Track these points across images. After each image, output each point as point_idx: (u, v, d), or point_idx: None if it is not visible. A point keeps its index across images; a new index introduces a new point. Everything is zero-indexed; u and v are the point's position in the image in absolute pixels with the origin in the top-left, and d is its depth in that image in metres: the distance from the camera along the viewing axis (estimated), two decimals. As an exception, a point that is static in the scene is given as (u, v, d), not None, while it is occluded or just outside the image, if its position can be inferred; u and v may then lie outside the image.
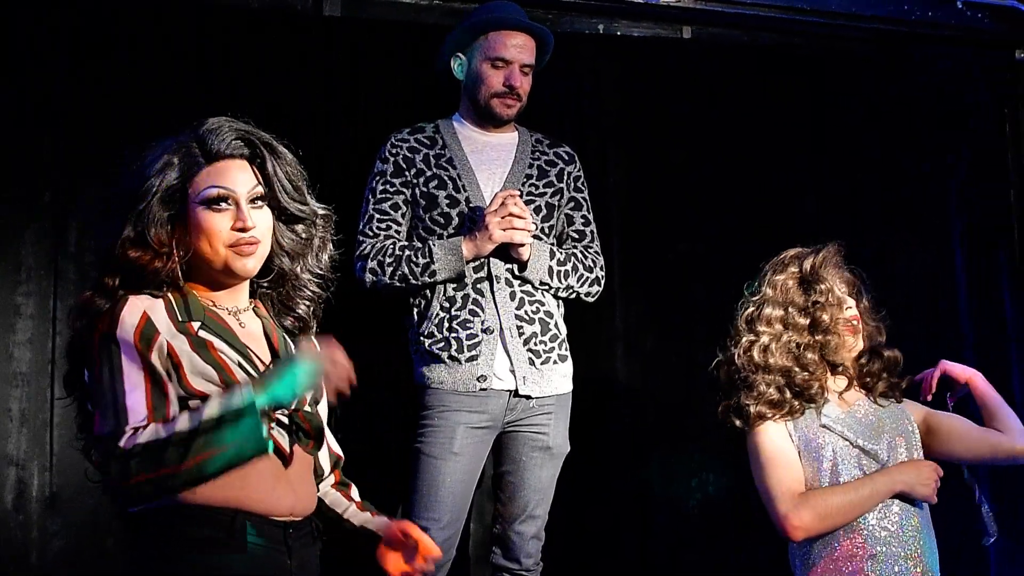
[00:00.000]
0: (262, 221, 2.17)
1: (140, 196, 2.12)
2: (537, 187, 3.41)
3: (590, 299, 3.47)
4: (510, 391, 3.25)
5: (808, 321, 2.91)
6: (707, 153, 4.18)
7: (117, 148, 3.36)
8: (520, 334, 3.26)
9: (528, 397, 3.26)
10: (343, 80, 3.76)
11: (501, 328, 3.25)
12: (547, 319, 3.32)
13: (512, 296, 3.28)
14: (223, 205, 2.13)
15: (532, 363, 3.26)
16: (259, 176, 2.17)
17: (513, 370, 3.24)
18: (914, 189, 4.40)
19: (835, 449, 2.85)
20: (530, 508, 3.30)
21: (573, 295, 3.42)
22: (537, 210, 3.38)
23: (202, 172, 2.14)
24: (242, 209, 2.14)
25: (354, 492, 2.38)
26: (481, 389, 3.21)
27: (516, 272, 3.29)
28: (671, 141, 4.12)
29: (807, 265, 2.97)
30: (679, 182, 4.12)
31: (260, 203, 2.17)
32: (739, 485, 3.82)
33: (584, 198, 3.51)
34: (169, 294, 2.12)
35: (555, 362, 3.31)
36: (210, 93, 3.54)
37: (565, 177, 3.48)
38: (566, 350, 3.38)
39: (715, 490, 4.01)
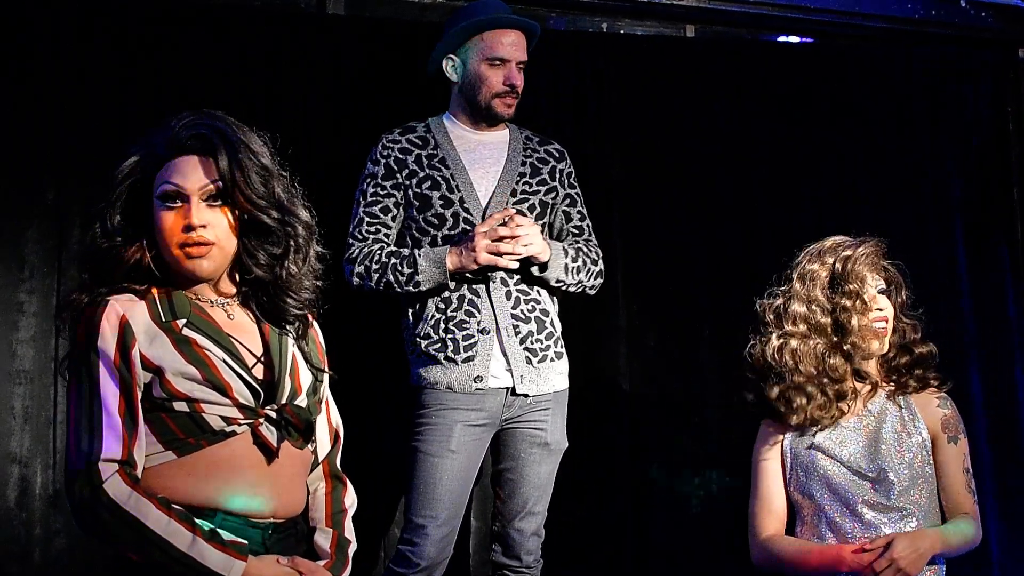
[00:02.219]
0: (218, 222, 2.10)
1: (110, 187, 2.12)
2: (531, 185, 3.42)
3: (593, 292, 3.48)
4: (507, 389, 3.25)
5: (831, 322, 2.89)
6: (710, 151, 4.17)
7: (120, 146, 3.41)
8: (516, 333, 3.26)
9: (525, 395, 3.26)
10: (346, 78, 3.76)
11: (498, 328, 3.25)
12: (543, 317, 3.32)
13: (508, 295, 3.28)
14: (176, 202, 2.09)
15: (529, 362, 3.26)
16: (220, 173, 2.09)
17: (510, 369, 3.25)
18: (916, 187, 4.40)
19: (827, 468, 2.87)
20: (530, 505, 3.30)
21: (580, 290, 3.42)
22: (531, 208, 3.38)
23: (163, 167, 2.11)
24: (191, 207, 2.08)
25: (345, 496, 2.31)
26: (478, 389, 3.21)
27: (536, 273, 3.29)
28: (674, 139, 4.12)
29: (840, 261, 2.92)
30: (682, 180, 4.12)
31: (217, 201, 2.10)
32: (741, 483, 3.83)
33: (578, 193, 3.51)
34: (152, 292, 2.10)
35: (552, 360, 3.32)
36: (213, 91, 3.54)
37: (558, 175, 3.48)
38: (562, 347, 3.38)
39: (717, 488, 4.01)
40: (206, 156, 2.10)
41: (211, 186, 2.09)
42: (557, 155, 3.52)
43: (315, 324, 2.33)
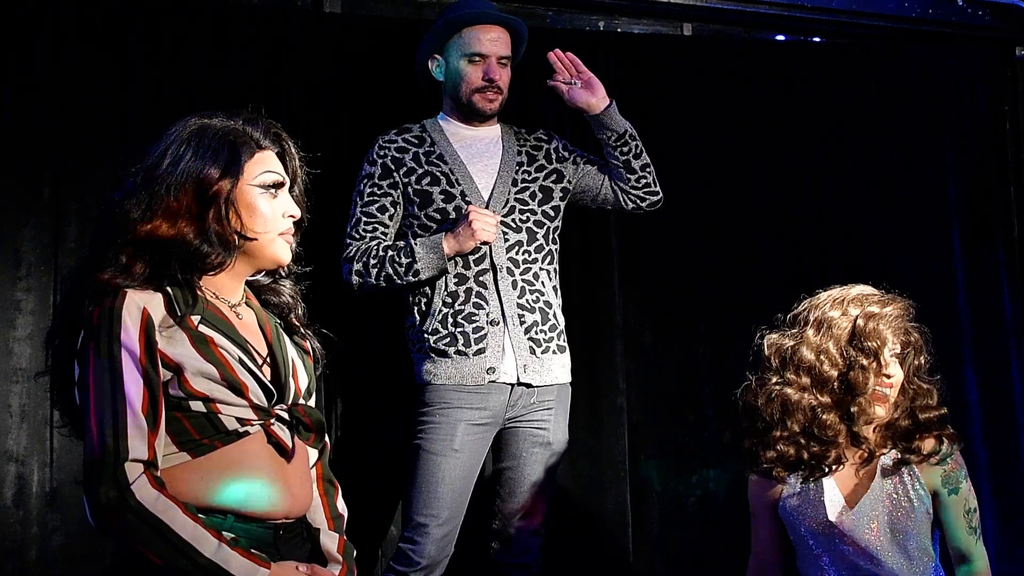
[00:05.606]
0: None
1: (204, 179, 2.07)
2: (530, 173, 3.44)
3: (655, 197, 3.52)
4: (512, 383, 3.26)
5: (838, 378, 2.68)
6: (706, 150, 4.18)
7: (117, 143, 3.41)
8: (522, 323, 3.28)
9: (529, 386, 3.27)
10: (344, 76, 3.76)
11: (504, 318, 3.26)
12: (546, 309, 3.34)
13: (514, 285, 3.30)
14: (276, 192, 2.15)
15: (533, 352, 3.28)
16: (291, 171, 2.21)
17: (515, 359, 3.25)
18: (913, 186, 4.41)
19: (827, 546, 2.73)
20: (530, 504, 3.30)
21: (646, 184, 3.48)
22: (532, 196, 3.41)
23: (255, 156, 2.13)
24: (290, 198, 2.17)
25: (338, 500, 2.31)
26: (490, 381, 3.22)
27: (596, 112, 3.42)
28: (670, 137, 4.12)
29: (864, 317, 2.69)
30: (679, 178, 4.12)
31: (292, 195, 2.21)
32: (739, 482, 3.84)
33: (582, 152, 3.56)
34: (168, 288, 2.05)
35: (554, 352, 3.33)
36: (210, 89, 3.54)
37: (554, 155, 3.51)
38: (564, 341, 3.39)
39: (714, 486, 4.01)
40: (280, 155, 2.19)
41: (290, 182, 2.19)
42: (547, 138, 3.55)
43: (308, 333, 2.34)
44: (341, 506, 2.31)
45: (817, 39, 4.48)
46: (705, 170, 4.16)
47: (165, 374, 2.01)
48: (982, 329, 4.41)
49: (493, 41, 3.38)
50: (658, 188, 3.52)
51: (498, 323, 3.26)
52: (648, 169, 3.49)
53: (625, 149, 3.45)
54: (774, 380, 2.74)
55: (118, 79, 3.50)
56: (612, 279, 3.99)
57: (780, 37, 4.46)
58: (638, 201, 3.50)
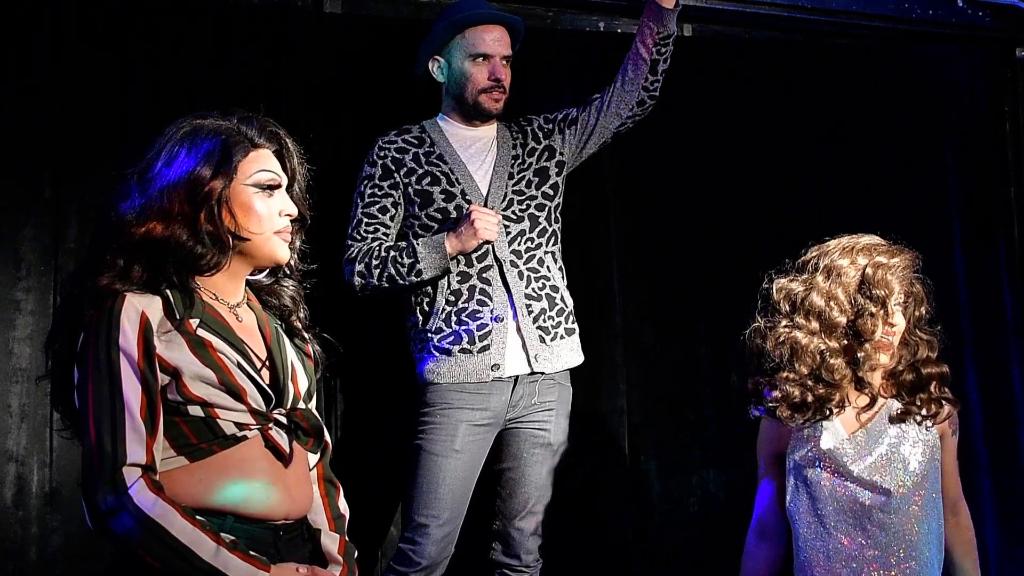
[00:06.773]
0: None
1: (196, 180, 2.06)
2: (524, 162, 3.45)
3: (653, 102, 3.50)
4: (515, 378, 3.26)
5: (846, 324, 2.74)
6: (706, 150, 4.18)
7: (117, 143, 3.41)
8: (529, 312, 3.29)
9: (541, 374, 3.29)
10: (343, 77, 3.76)
11: (513, 308, 3.27)
12: (553, 293, 3.35)
13: (520, 276, 3.31)
14: (271, 191, 2.13)
15: (542, 340, 3.29)
16: (290, 170, 2.20)
17: (525, 349, 3.26)
18: (913, 186, 4.41)
19: (831, 484, 2.75)
20: (530, 504, 3.31)
21: (656, 88, 3.47)
22: (528, 183, 3.42)
23: (250, 155, 2.12)
24: (287, 196, 2.15)
25: (339, 500, 2.31)
26: (495, 378, 3.23)
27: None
28: (670, 137, 4.12)
29: (872, 266, 2.76)
30: (678, 178, 4.12)
31: (289, 194, 2.20)
32: (740, 481, 3.84)
33: (560, 114, 3.53)
34: (167, 290, 2.05)
35: (562, 337, 3.35)
36: (210, 89, 3.53)
37: (540, 132, 3.51)
38: (573, 323, 3.41)
39: (714, 486, 4.01)
40: (277, 153, 2.18)
41: (286, 180, 2.18)
42: (525, 121, 3.56)
43: (308, 336, 2.33)
44: (343, 506, 2.31)
45: (817, 40, 4.47)
46: (705, 170, 4.17)
47: (163, 379, 2.00)
48: (982, 329, 4.41)
49: (497, 41, 3.39)
50: (658, 96, 3.51)
51: (502, 319, 3.26)
52: (663, 76, 3.48)
53: (663, 50, 3.43)
54: (783, 323, 2.80)
55: (118, 79, 3.49)
56: (612, 279, 3.99)
57: (780, 38, 4.46)
58: (638, 108, 3.48)
